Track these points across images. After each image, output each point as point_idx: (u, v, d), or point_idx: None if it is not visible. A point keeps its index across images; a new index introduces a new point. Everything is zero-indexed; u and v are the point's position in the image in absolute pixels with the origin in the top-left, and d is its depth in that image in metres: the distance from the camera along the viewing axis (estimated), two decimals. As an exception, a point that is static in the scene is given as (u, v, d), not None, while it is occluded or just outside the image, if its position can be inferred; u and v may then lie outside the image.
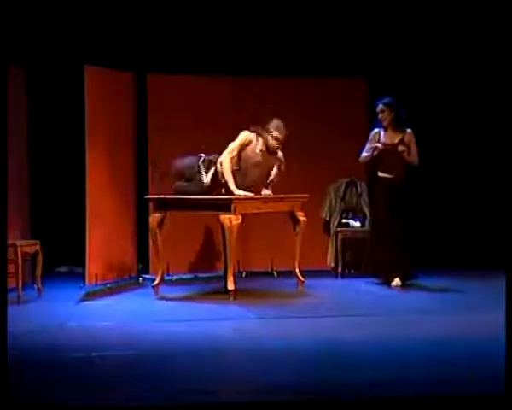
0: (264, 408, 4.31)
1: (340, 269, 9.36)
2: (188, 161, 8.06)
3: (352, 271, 9.36)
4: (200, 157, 8.00)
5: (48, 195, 9.52)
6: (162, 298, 7.87)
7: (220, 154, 7.93)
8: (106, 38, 9.18)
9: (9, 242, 7.32)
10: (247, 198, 7.75)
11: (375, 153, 8.42)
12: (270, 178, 8.14)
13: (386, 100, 8.42)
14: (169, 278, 8.79)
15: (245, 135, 7.96)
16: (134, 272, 9.14)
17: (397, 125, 8.41)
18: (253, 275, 9.18)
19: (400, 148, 8.35)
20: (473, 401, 4.30)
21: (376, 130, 8.50)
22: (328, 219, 9.56)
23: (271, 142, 7.93)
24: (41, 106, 9.31)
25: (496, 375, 4.41)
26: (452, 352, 5.45)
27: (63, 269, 9.73)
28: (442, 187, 10.02)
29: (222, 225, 7.69)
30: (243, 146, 7.94)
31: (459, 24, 9.44)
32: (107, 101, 8.60)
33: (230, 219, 7.52)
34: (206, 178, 7.88)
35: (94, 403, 4.37)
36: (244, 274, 9.27)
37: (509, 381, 4.05)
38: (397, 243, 8.26)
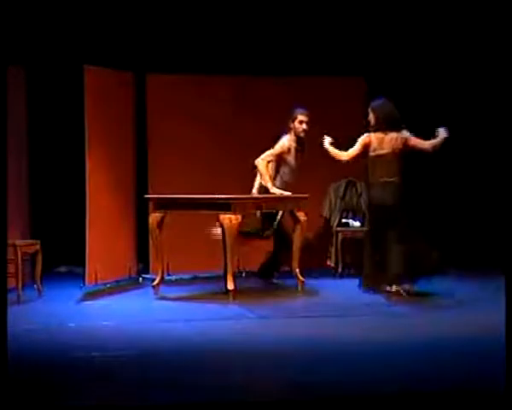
0: (263, 408, 4.31)
1: (339, 269, 9.36)
2: None
3: (352, 271, 9.35)
4: None
5: (48, 195, 9.52)
6: (162, 298, 7.87)
7: None
8: (105, 38, 9.18)
9: (9, 242, 7.32)
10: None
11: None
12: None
13: (372, 102, 8.22)
14: (169, 277, 8.78)
15: (282, 143, 8.38)
16: (134, 272, 9.14)
17: (380, 128, 8.06)
18: (253, 275, 9.17)
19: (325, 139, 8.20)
20: (472, 400, 4.30)
21: None
22: (328, 218, 9.56)
23: (298, 127, 8.37)
24: (41, 106, 9.31)
25: (495, 374, 4.41)
26: (452, 351, 5.46)
27: (63, 269, 9.73)
28: (442, 189, 10.02)
29: (222, 225, 7.70)
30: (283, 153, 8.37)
31: (459, 23, 9.44)
32: (106, 101, 8.60)
33: (230, 219, 7.52)
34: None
35: (94, 403, 4.37)
36: (244, 274, 9.27)
37: (509, 380, 4.05)
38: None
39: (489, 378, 4.60)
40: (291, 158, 8.43)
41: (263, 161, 8.31)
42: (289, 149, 8.42)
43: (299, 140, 8.46)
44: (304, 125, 8.43)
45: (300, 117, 8.42)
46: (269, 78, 9.34)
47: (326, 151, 9.24)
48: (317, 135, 9.47)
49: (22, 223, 8.62)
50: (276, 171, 8.42)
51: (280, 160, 8.40)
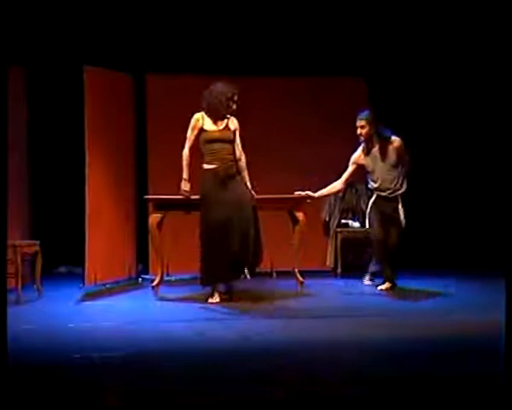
0: (262, 407, 4.31)
1: (339, 269, 9.37)
2: None
3: (352, 271, 9.35)
4: None
5: (48, 195, 9.54)
6: (162, 298, 7.87)
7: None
8: (105, 39, 9.20)
9: (9, 242, 7.32)
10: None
11: None
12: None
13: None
14: (169, 278, 8.79)
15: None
16: (134, 272, 9.15)
17: None
18: (252, 275, 9.16)
19: None
20: (471, 400, 4.31)
21: None
22: (327, 219, 9.57)
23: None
24: (41, 106, 9.33)
25: (494, 374, 4.42)
26: (451, 351, 5.46)
27: (62, 269, 9.74)
28: (442, 189, 10.03)
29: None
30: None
31: (459, 24, 9.45)
32: (106, 101, 8.62)
33: (230, 220, 7.52)
34: None
35: (93, 403, 4.37)
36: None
37: (509, 380, 4.05)
38: None
39: (488, 378, 4.60)
40: (367, 164, 8.28)
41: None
42: (361, 157, 8.30)
43: (365, 145, 8.29)
44: (358, 131, 8.27)
45: (356, 123, 8.27)
46: (269, 78, 9.34)
47: (326, 151, 9.31)
48: (316, 135, 9.53)
49: (22, 223, 8.63)
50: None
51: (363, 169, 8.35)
